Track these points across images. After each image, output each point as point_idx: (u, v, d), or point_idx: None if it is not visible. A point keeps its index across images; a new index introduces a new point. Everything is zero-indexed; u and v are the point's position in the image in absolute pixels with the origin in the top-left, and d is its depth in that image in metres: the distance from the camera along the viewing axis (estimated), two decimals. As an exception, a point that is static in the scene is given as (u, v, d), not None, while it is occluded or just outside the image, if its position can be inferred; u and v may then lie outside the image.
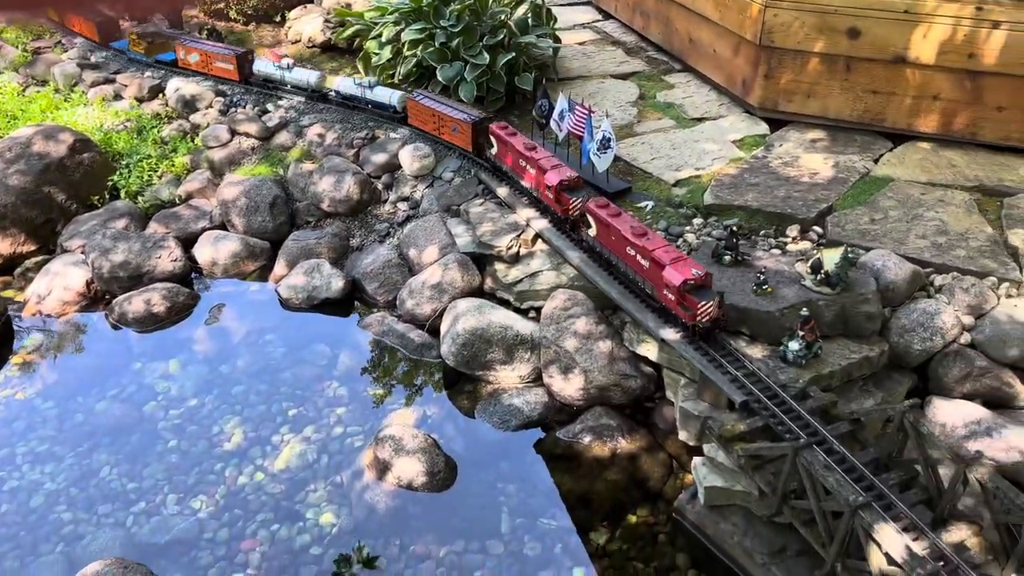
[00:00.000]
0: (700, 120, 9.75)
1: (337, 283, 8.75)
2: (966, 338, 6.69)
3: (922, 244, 7.29)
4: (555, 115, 8.62)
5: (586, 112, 8.23)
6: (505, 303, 8.08)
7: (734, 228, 7.38)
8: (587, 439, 7.07)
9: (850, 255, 6.66)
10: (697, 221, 7.95)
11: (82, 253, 9.33)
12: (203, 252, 9.42)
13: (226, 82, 11.41)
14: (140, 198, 10.20)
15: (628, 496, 6.72)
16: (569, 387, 7.30)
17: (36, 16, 12.59)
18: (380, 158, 9.73)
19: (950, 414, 6.35)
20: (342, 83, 10.40)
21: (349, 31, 11.54)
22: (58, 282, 8.94)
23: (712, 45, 10.12)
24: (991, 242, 7.28)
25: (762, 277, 6.71)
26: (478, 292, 8.25)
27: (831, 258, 6.64)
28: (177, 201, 10.19)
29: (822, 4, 8.57)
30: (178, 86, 11.43)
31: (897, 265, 6.88)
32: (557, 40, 11.06)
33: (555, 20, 11.23)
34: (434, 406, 7.62)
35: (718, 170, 8.62)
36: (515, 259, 8.17)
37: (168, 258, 9.15)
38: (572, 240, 7.84)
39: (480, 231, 8.36)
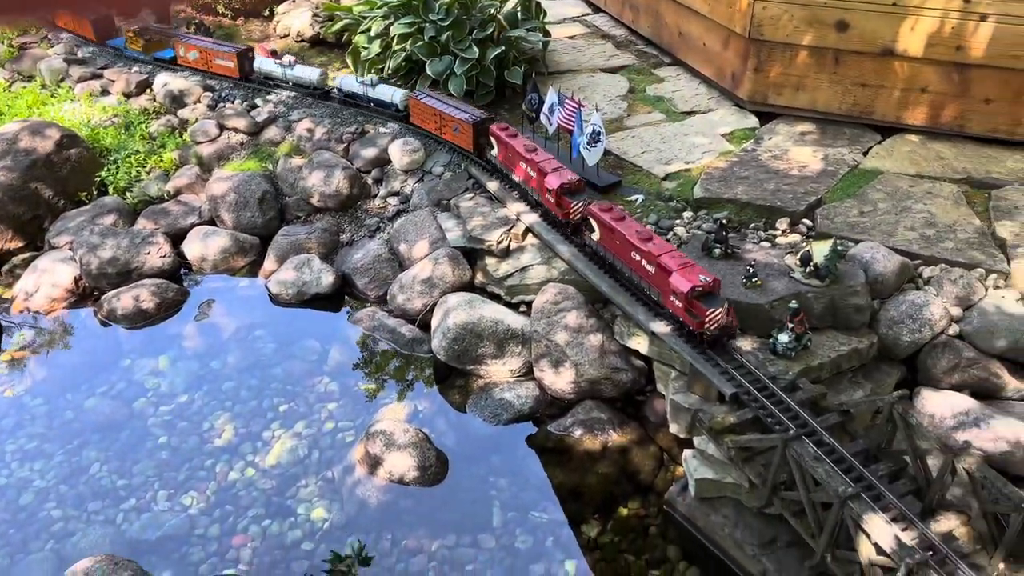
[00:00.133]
0: (690, 114, 9.75)
1: (327, 278, 8.73)
2: (954, 329, 6.73)
3: (911, 236, 7.32)
4: (545, 109, 8.60)
5: (576, 106, 8.22)
6: (496, 297, 8.08)
7: (724, 221, 7.40)
8: (578, 432, 7.08)
9: (839, 247, 6.69)
10: (687, 214, 7.96)
11: (70, 249, 9.27)
12: (192, 248, 9.37)
13: (226, 79, 11.31)
14: (128, 194, 10.14)
15: (619, 489, 6.74)
16: (560, 381, 7.30)
17: (36, 17, 12.50)
18: (370, 153, 9.70)
19: (939, 405, 6.39)
20: (344, 81, 10.31)
21: (338, 25, 11.49)
22: (46, 279, 8.89)
23: (702, 38, 10.13)
24: (979, 234, 7.32)
25: (752, 270, 6.72)
26: (469, 286, 8.25)
27: (820, 250, 6.66)
28: (166, 197, 10.13)
29: (811, -3, 8.59)
30: (166, 81, 11.36)
31: (886, 257, 6.91)
32: (547, 34, 11.04)
33: (544, 14, 11.21)
34: (425, 401, 7.61)
35: (708, 163, 8.63)
36: (506, 253, 8.16)
37: (157, 254, 9.11)
38: (564, 235, 7.83)
39: (470, 225, 8.35)
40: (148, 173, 10.41)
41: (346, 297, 8.89)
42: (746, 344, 6.44)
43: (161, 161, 10.50)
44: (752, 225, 7.74)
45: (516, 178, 8.35)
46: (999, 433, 6.11)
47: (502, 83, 10.05)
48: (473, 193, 8.90)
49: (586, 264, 7.47)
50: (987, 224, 7.48)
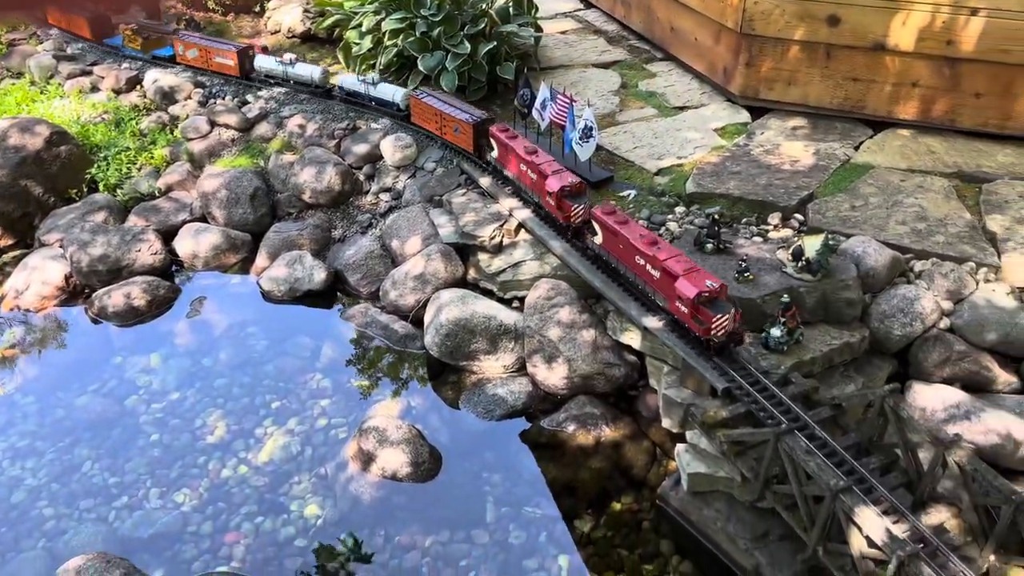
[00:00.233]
0: (682, 109, 9.76)
1: (319, 275, 8.71)
2: (945, 323, 6.76)
3: (902, 230, 7.34)
4: (537, 104, 8.59)
5: (568, 101, 8.21)
6: (488, 293, 8.07)
7: (716, 216, 7.40)
8: (571, 428, 7.09)
9: (831, 242, 6.70)
10: (679, 210, 7.96)
11: (60, 247, 9.23)
12: (183, 245, 9.34)
13: (225, 77, 11.24)
14: (119, 191, 10.09)
15: (612, 484, 6.75)
16: (553, 376, 7.31)
17: (27, 15, 12.42)
18: (361, 149, 9.68)
19: (930, 398, 6.42)
20: (346, 80, 10.21)
21: (329, 21, 11.45)
22: (36, 276, 8.85)
23: (693, 33, 10.13)
24: (969, 228, 7.35)
25: (744, 264, 6.73)
26: (461, 282, 8.24)
27: (812, 245, 6.68)
28: (156, 194, 10.09)
29: (802, -8, 8.60)
30: (156, 77, 11.30)
31: (877, 251, 6.93)
32: (539, 29, 11.03)
33: (536, 9, 11.19)
34: (418, 397, 7.61)
35: (700, 158, 8.64)
36: (498, 249, 8.16)
37: (148, 251, 9.07)
38: (556, 230, 7.82)
39: (463, 221, 8.34)
40: (139, 170, 10.36)
41: (338, 294, 8.87)
42: (738, 339, 6.44)
43: (152, 158, 10.45)
44: (744, 220, 7.76)
45: (522, 184, 8.19)
46: (990, 426, 6.14)
47: (494, 79, 10.04)
48: (465, 189, 8.89)
49: (578, 260, 7.47)
50: (977, 218, 7.51)
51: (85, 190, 10.15)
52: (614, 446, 6.99)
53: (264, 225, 9.57)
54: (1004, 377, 6.59)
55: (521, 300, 7.83)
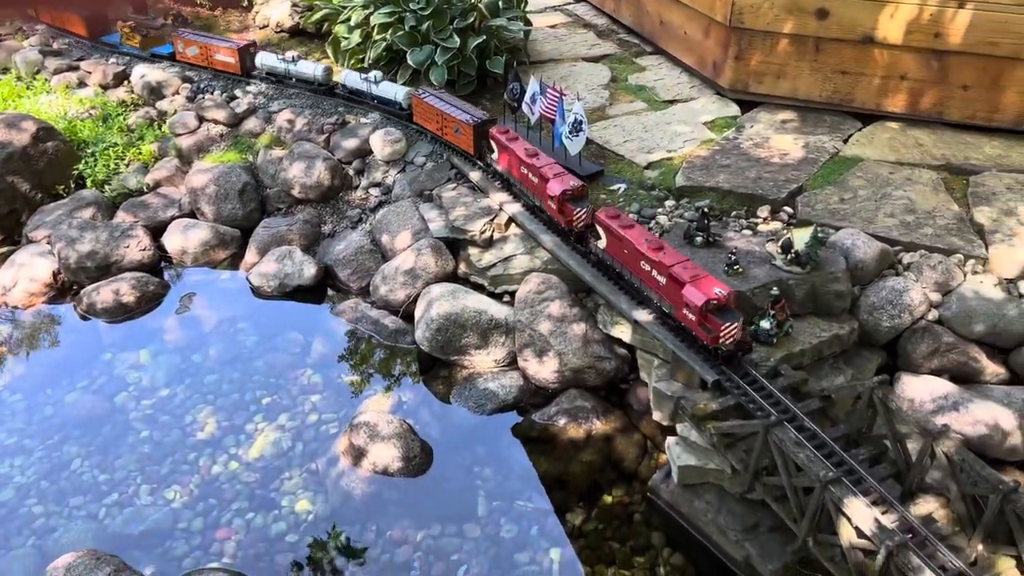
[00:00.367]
0: (672, 102, 9.76)
1: (309, 270, 8.68)
2: (933, 315, 6.79)
3: (890, 223, 7.37)
4: (527, 98, 8.57)
5: (558, 95, 8.20)
6: (479, 287, 8.07)
7: (705, 209, 7.41)
8: (562, 421, 7.10)
9: (820, 234, 6.72)
10: (669, 203, 7.97)
11: (48, 244, 9.17)
12: (172, 241, 9.29)
13: (215, 72, 11.16)
14: (107, 187, 10.03)
15: (603, 477, 6.76)
16: (544, 370, 7.31)
17: (23, 13, 12.32)
18: (351, 143, 9.64)
19: (918, 390, 6.45)
20: (348, 77, 10.10)
21: (317, 15, 11.40)
22: (24, 273, 8.79)
23: (683, 27, 10.13)
24: (957, 220, 7.38)
25: (733, 257, 6.75)
26: (452, 277, 8.23)
27: (801, 238, 6.69)
28: (145, 189, 10.03)
29: (791, -15, 8.60)
30: (143, 73, 11.23)
31: (866, 244, 6.96)
32: (528, 23, 11.01)
33: (526, 3, 11.17)
34: (409, 391, 7.60)
35: (690, 152, 8.65)
36: (488, 243, 8.15)
37: (137, 247, 9.03)
38: (546, 225, 7.81)
39: (453, 216, 8.33)
40: (127, 166, 10.30)
41: (328, 289, 8.85)
42: (728, 331, 6.45)
43: (140, 153, 10.40)
44: (734, 213, 7.77)
45: (523, 187, 8.04)
46: (977, 416, 6.18)
47: (484, 73, 10.01)
48: (455, 183, 8.87)
49: (568, 253, 7.47)
50: (965, 210, 7.54)
51: (73, 186, 10.10)
52: (605, 439, 7.01)
53: (253, 220, 9.53)
54: (992, 368, 6.63)
55: (512, 294, 7.82)
